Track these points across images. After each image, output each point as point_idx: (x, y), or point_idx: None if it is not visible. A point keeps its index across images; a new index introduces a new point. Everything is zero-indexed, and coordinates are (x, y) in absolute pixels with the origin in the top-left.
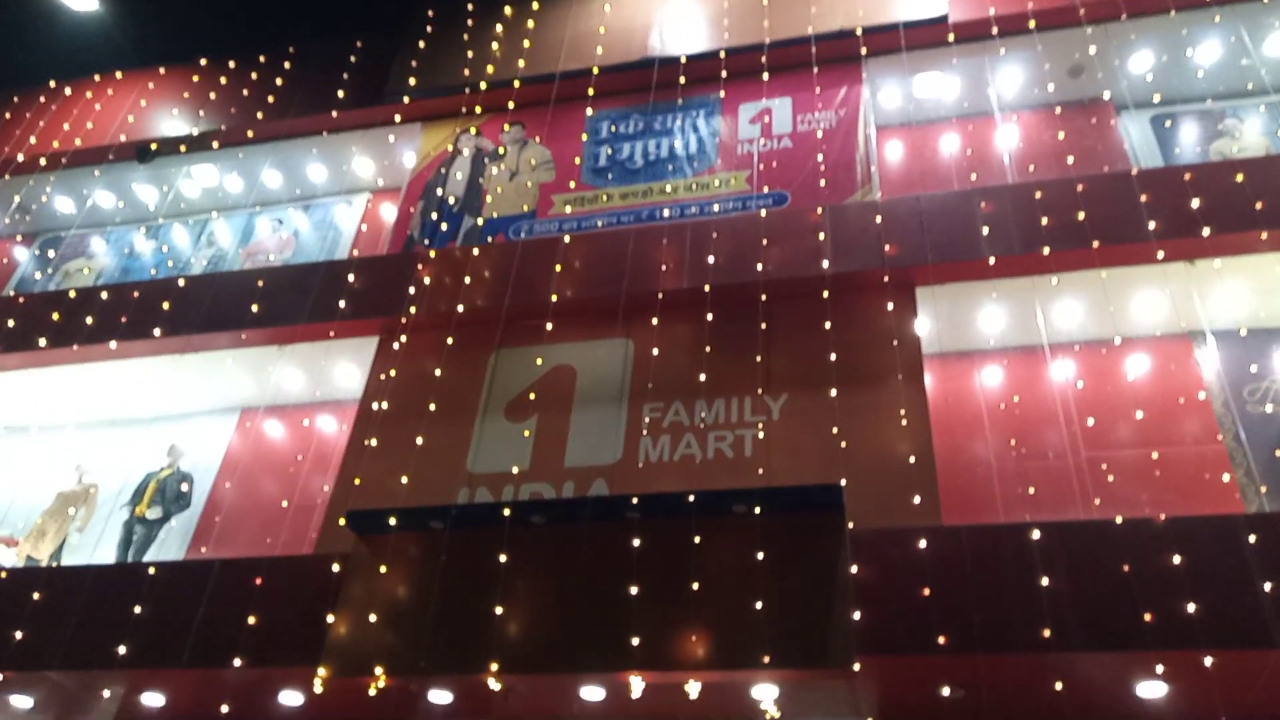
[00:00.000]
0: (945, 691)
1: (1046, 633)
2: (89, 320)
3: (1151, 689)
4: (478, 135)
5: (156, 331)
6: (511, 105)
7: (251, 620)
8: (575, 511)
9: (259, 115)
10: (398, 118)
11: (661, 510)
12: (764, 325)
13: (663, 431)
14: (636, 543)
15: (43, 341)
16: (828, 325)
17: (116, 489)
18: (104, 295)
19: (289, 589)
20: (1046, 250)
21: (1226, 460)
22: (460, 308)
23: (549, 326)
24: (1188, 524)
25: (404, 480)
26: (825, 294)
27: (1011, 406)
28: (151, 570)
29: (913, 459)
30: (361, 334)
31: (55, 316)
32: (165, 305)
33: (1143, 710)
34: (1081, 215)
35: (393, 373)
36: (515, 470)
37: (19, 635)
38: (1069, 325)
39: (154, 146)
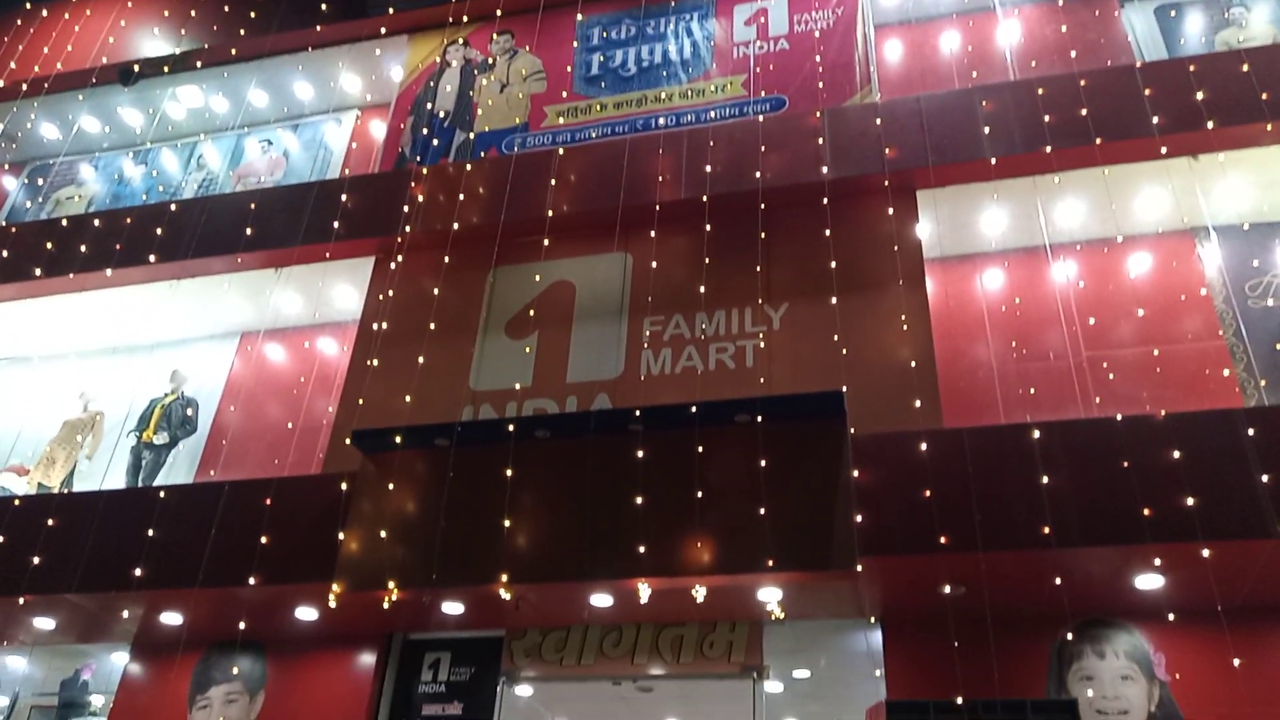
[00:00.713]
0: (946, 589)
1: (1046, 530)
2: (83, 248)
3: (1149, 581)
4: (466, 46)
5: (151, 257)
6: (499, 13)
7: (264, 540)
8: (579, 426)
9: (242, 32)
10: (383, 30)
11: (664, 422)
12: (763, 234)
13: (663, 344)
14: (640, 454)
15: (38, 271)
16: (828, 232)
17: (122, 416)
18: (96, 223)
19: (299, 508)
20: (1048, 148)
21: (1227, 356)
22: (455, 225)
23: (546, 243)
24: (1187, 419)
25: (407, 399)
26: (825, 200)
27: (1013, 308)
28: (162, 494)
29: (914, 363)
30: (357, 254)
31: (49, 245)
32: (158, 231)
33: (1140, 602)
34: (1084, 111)
35: (390, 293)
36: (517, 387)
37: (37, 560)
38: (1071, 225)
39: (136, 68)
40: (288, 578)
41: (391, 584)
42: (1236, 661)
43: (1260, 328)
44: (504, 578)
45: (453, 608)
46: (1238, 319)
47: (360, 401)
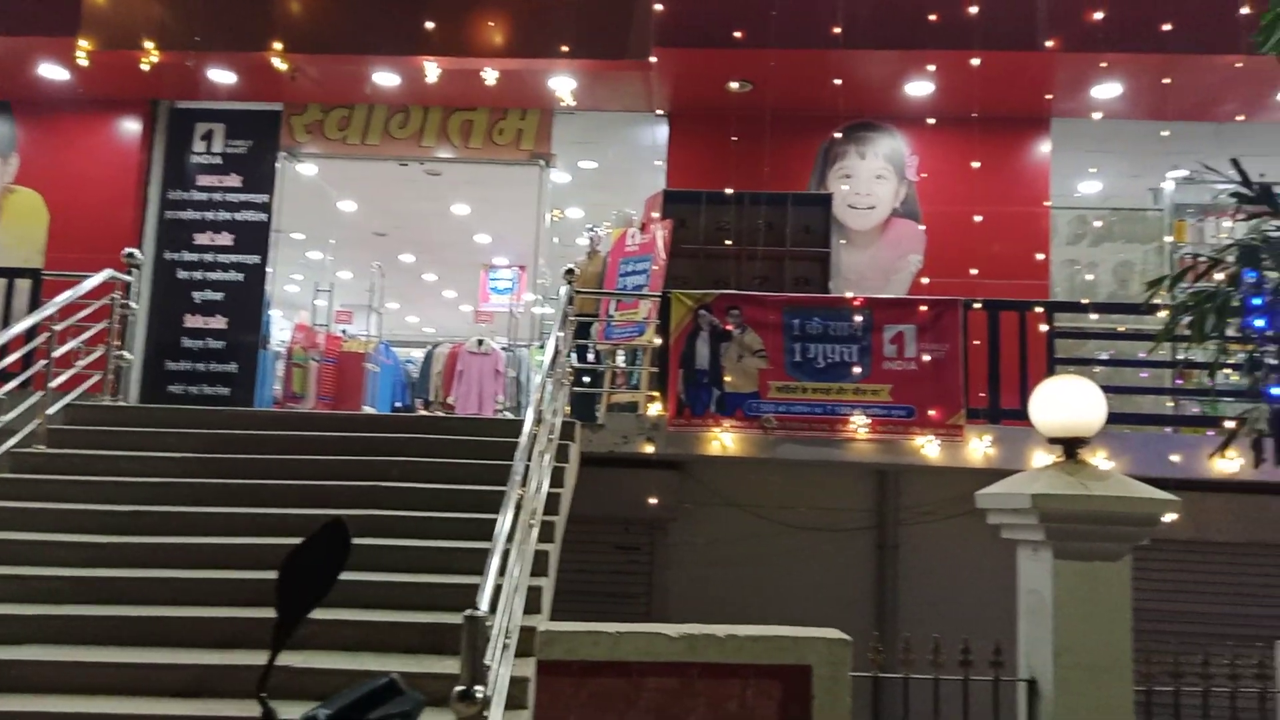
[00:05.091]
0: (734, 85)
1: (837, 30)
2: None
3: (919, 88)
4: None
5: None
6: None
7: None
8: None
9: None
10: None
11: None
12: None
13: None
14: None
15: None
16: None
17: None
18: None
19: None
20: None
21: None
22: None
23: None
24: None
25: None
26: None
27: None
28: None
29: None
30: None
31: None
32: None
33: (906, 108)
34: None
35: None
36: None
37: None
38: None
39: None
40: (25, 29)
41: (149, 44)
42: (976, 164)
43: None
44: (278, 45)
45: (223, 76)
46: None
47: None
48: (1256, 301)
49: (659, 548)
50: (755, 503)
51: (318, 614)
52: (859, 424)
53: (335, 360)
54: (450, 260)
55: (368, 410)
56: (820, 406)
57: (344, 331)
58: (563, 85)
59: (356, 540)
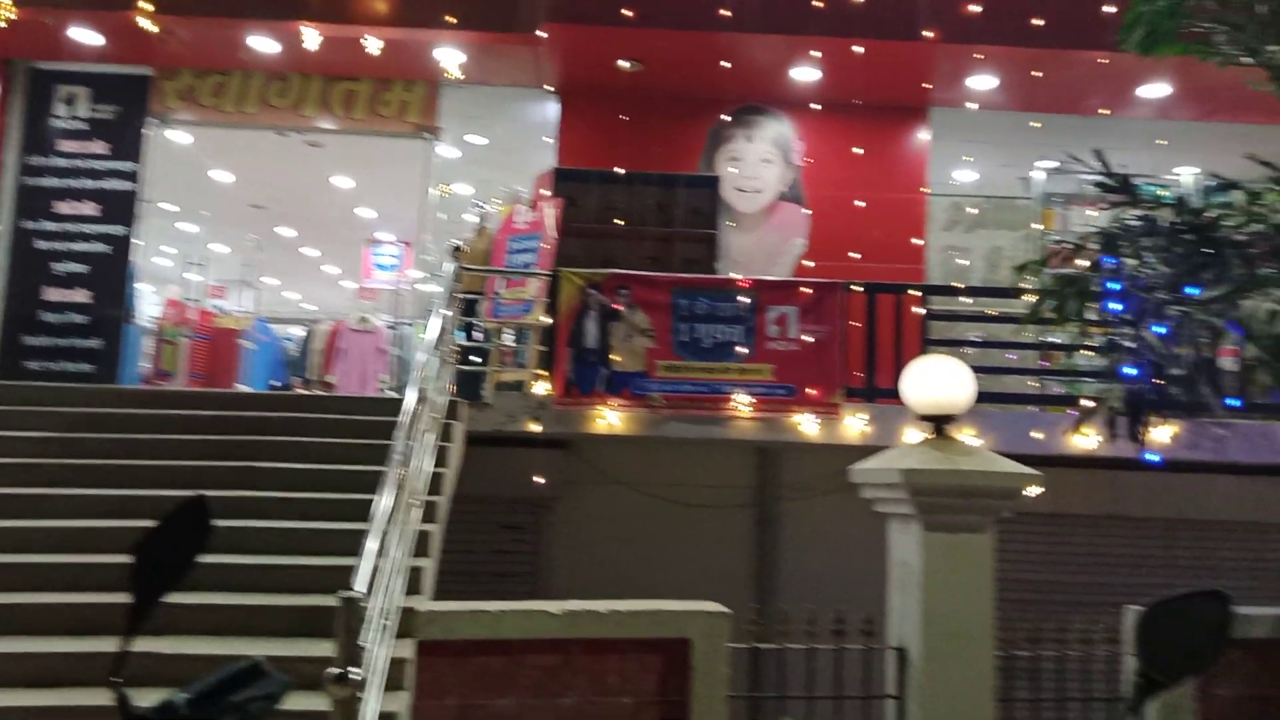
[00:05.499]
0: (624, 64)
1: (726, 12)
2: None
3: (804, 73)
4: None
5: None
6: None
7: None
8: None
9: None
10: None
11: None
12: None
13: None
14: None
15: None
16: None
17: None
18: None
19: None
20: None
21: None
22: None
23: None
24: None
25: None
26: None
27: None
28: None
29: None
30: None
31: None
32: None
33: (792, 93)
34: None
35: None
36: None
37: None
38: None
39: None
40: None
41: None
42: (859, 150)
43: None
44: (146, 5)
45: (87, 36)
46: None
47: None
48: (1114, 286)
49: (545, 526)
50: (641, 481)
51: (188, 598)
52: (742, 403)
53: (209, 337)
54: (332, 235)
55: (241, 388)
56: (705, 386)
57: (217, 307)
58: (449, 57)
59: (229, 522)
